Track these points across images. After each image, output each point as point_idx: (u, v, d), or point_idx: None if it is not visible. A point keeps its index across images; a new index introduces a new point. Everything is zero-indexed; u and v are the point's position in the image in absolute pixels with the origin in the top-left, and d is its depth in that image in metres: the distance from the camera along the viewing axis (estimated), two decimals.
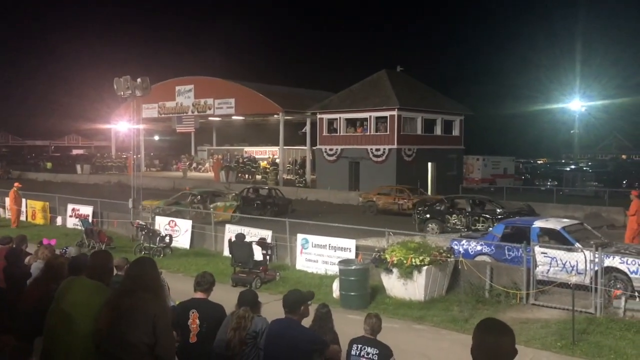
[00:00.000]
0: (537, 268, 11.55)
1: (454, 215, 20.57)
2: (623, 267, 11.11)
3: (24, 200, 23.87)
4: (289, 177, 41.43)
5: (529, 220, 14.42)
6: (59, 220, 23.08)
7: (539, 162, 69.62)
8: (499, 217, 19.08)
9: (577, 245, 11.86)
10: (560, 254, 11.58)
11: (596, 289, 10.49)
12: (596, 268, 10.75)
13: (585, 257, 11.10)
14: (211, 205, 22.59)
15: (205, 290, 5.81)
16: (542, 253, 11.73)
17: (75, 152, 79.43)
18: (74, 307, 4.47)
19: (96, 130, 67.11)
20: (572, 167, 51.79)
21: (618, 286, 11.01)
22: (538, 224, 13.22)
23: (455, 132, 39.15)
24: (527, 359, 8.53)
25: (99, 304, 4.34)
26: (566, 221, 13.93)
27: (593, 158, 78.53)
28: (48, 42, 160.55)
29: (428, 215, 21.26)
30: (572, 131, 65.43)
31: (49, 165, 60.31)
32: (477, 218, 20.07)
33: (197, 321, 5.54)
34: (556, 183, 39.14)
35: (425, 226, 20.82)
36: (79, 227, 19.82)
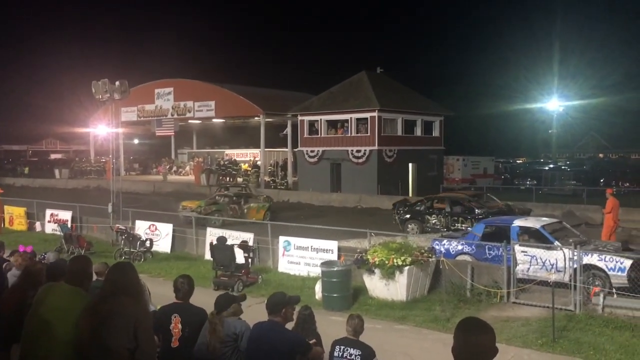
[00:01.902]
0: (518, 267, 11.66)
1: (434, 216, 20.64)
2: (601, 265, 11.26)
3: (2, 206, 23.47)
4: (270, 179, 41.32)
5: (508, 219, 14.55)
6: (37, 226, 22.77)
7: (518, 161, 70.51)
8: (479, 217, 19.20)
9: (557, 243, 12.01)
10: (540, 253, 11.71)
11: (575, 286, 10.63)
12: (575, 266, 10.90)
13: (564, 255, 11.25)
14: (245, 206, 23.64)
15: (183, 297, 5.76)
16: (522, 252, 11.84)
17: (53, 156, 78.29)
18: (53, 313, 4.41)
19: (74, 134, 66.35)
20: (551, 166, 52.48)
21: (597, 283, 11.16)
22: (518, 222, 13.35)
23: (436, 132, 39.42)
24: (509, 357, 8.61)
25: (78, 310, 4.28)
26: (545, 220, 14.09)
27: (571, 157, 79.73)
28: (24, 44, 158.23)
29: (408, 216, 21.31)
30: (550, 131, 66.29)
31: (26, 170, 59.39)
32: (456, 218, 20.13)
33: (180, 325, 5.51)
34: (535, 182, 39.61)
35: (405, 226, 20.89)
36: (58, 233, 19.57)
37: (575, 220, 21.03)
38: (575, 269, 10.85)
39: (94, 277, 6.16)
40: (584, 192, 30.09)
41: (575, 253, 10.99)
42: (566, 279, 11.00)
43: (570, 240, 12.10)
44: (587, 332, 9.58)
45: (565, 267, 11.23)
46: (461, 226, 19.53)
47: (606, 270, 11.22)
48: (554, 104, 57.29)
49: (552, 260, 11.52)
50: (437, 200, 21.53)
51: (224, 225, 19.80)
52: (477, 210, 19.94)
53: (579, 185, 35.76)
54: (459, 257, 13.24)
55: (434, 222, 20.49)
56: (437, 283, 12.16)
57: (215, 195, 25.35)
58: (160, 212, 20.73)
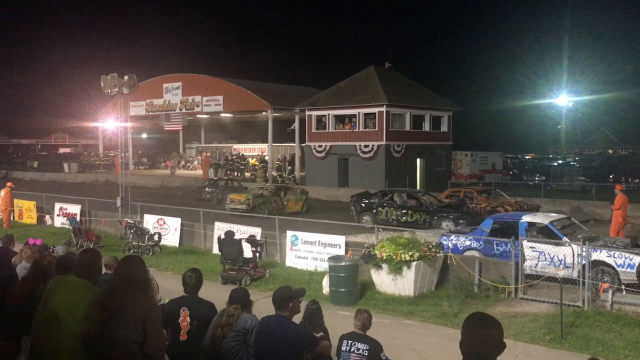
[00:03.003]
0: (526, 262, 11.63)
1: (385, 208, 21.11)
2: (610, 261, 11.21)
3: (12, 200, 23.60)
4: (278, 174, 41.36)
5: (517, 215, 14.50)
6: (47, 220, 22.92)
7: (526, 157, 70.10)
8: (427, 210, 20.17)
9: (565, 239, 11.96)
10: (548, 248, 11.67)
11: (584, 282, 10.59)
12: (584, 262, 10.85)
13: (573, 251, 11.20)
14: (284, 199, 25.17)
15: (192, 291, 5.79)
16: (530, 247, 11.81)
17: (62, 150, 78.81)
18: (63, 306, 4.44)
19: (83, 129, 66.67)
20: (560, 162, 52.19)
21: (605, 279, 11.10)
22: (526, 218, 13.31)
23: (444, 128, 39.28)
24: (516, 352, 8.59)
25: (87, 303, 4.31)
26: (554, 216, 14.04)
27: (580, 153, 79.30)
28: (34, 40, 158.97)
29: (364, 207, 21.77)
30: (559, 126, 65.96)
31: (35, 164, 59.75)
32: (405, 211, 20.64)
33: (188, 319, 5.54)
34: (544, 178, 39.40)
35: (361, 218, 21.29)
36: (67, 226, 19.68)
37: (583, 216, 20.94)
38: (583, 265, 10.81)
39: (103, 270, 6.19)
40: (593, 188, 29.91)
41: (584, 249, 10.94)
42: (574, 275, 10.96)
43: (579, 236, 12.05)
44: (596, 329, 9.54)
45: (573, 263, 11.19)
46: (409, 219, 20.26)
47: (615, 266, 11.17)
48: (563, 99, 56.95)
49: (561, 256, 11.48)
50: (389, 194, 22.17)
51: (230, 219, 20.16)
52: (426, 203, 20.70)
53: (588, 181, 35.55)
54: (467, 253, 13.22)
55: (385, 214, 20.94)
56: (445, 278, 12.13)
57: (259, 189, 26.76)
58: (172, 206, 20.79)
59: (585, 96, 64.84)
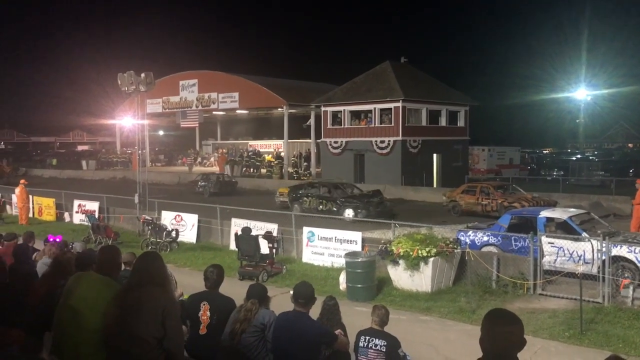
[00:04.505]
0: (544, 258, 11.53)
1: (309, 198, 23.21)
2: (631, 256, 11.06)
3: (30, 196, 23.95)
4: (293, 171, 41.41)
5: (535, 210, 14.37)
6: (66, 217, 23.18)
7: (544, 152, 69.43)
8: (341, 200, 22.33)
9: (584, 234, 11.83)
10: (567, 244, 11.55)
11: (604, 278, 10.47)
12: (604, 257, 10.72)
13: (592, 247, 11.08)
14: None
15: (212, 286, 5.83)
16: (549, 243, 11.70)
17: (80, 148, 79.54)
18: (83, 302, 4.48)
19: (101, 126, 67.19)
20: (578, 156, 51.65)
21: (626, 275, 10.96)
22: (544, 213, 13.19)
23: (461, 122, 39.02)
24: (535, 349, 8.52)
25: (107, 299, 4.34)
26: (573, 211, 13.89)
27: (599, 147, 78.27)
28: (52, 38, 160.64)
29: (294, 197, 23.96)
30: (577, 120, 65.25)
31: (54, 161, 60.43)
32: (321, 201, 22.83)
33: (208, 313, 5.58)
34: (562, 173, 39.01)
35: (292, 207, 23.22)
36: (86, 223, 19.89)
37: (603, 211, 20.69)
38: (603, 261, 10.68)
39: (122, 267, 6.25)
40: (613, 182, 29.56)
41: (604, 244, 10.81)
42: (594, 270, 10.84)
43: (599, 232, 11.92)
44: (616, 325, 9.43)
45: (593, 259, 11.07)
46: (324, 208, 22.39)
47: (636, 262, 11.02)
48: (582, 93, 56.29)
49: (580, 252, 11.35)
50: (312, 186, 24.50)
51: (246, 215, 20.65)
52: (335, 195, 22.83)
53: (607, 175, 35.12)
54: (485, 248, 13.13)
55: (308, 204, 23.11)
56: (462, 274, 12.07)
57: (307, 182, 27.65)
58: (189, 203, 20.93)
59: (605, 90, 63.98)
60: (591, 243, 11.14)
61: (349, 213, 21.46)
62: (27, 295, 5.80)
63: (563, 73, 67.02)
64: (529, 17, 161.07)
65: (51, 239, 10.88)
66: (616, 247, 11.16)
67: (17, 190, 22.70)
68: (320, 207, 22.56)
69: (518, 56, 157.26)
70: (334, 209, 22.07)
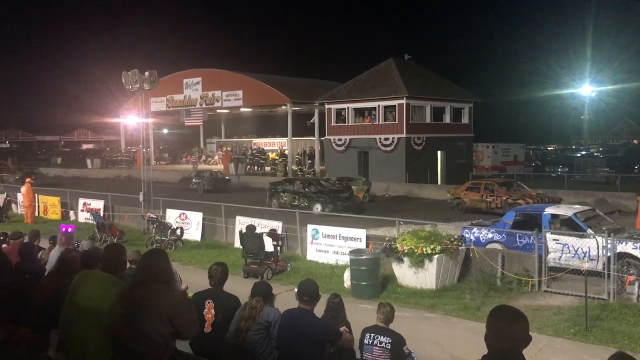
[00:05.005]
0: (549, 255, 11.50)
1: (286, 194, 24.45)
2: (636, 253, 11.01)
3: (35, 195, 24.02)
4: (298, 168, 41.40)
5: (540, 207, 14.34)
6: (71, 215, 23.25)
7: (549, 148, 69.18)
8: (311, 195, 23.58)
9: (589, 231, 11.80)
10: (572, 241, 11.52)
11: (609, 275, 10.44)
12: (609, 254, 10.69)
13: (597, 243, 11.05)
14: None
15: (217, 284, 5.84)
16: (554, 240, 11.67)
17: (84, 146, 79.73)
18: (89, 300, 4.50)
19: (105, 125, 67.39)
20: (583, 153, 51.47)
21: (631, 272, 10.92)
22: (549, 210, 13.15)
23: (465, 119, 38.93)
24: (540, 346, 8.50)
25: (113, 297, 4.35)
26: (578, 207, 13.86)
27: (604, 143, 78.00)
28: (56, 37, 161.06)
29: (272, 193, 25.06)
30: (582, 117, 64.94)
31: (59, 160, 60.62)
32: (294, 196, 24.02)
33: (213, 311, 5.59)
34: (567, 169, 38.89)
35: (271, 202, 24.40)
36: (91, 221, 19.94)
37: (608, 208, 20.63)
38: (609, 257, 10.65)
39: (127, 265, 6.26)
40: (618, 179, 29.46)
41: (609, 241, 10.78)
42: (599, 267, 10.81)
43: (604, 228, 11.87)
44: (622, 322, 9.41)
45: (598, 256, 11.04)
46: (297, 203, 23.49)
47: None
48: (587, 89, 56.04)
49: (585, 249, 11.33)
50: (289, 182, 25.90)
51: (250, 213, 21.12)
52: (306, 189, 24.09)
53: (612, 172, 34.99)
54: (489, 246, 13.11)
55: (284, 199, 24.32)
56: (467, 271, 12.06)
57: (284, 179, 28.71)
58: (193, 201, 20.96)
59: (610, 85, 63.59)
60: (596, 240, 11.11)
61: (317, 207, 22.93)
62: (33, 293, 5.83)
63: (568, 69, 66.53)
64: (533, 13, 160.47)
65: (63, 229, 10.97)
66: (621, 243, 11.12)
67: (23, 189, 22.78)
68: (295, 202, 23.74)
69: (522, 52, 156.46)
70: (305, 203, 23.34)
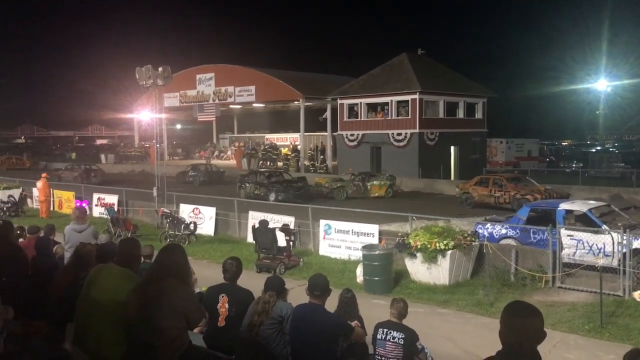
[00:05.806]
0: (563, 251, 11.42)
1: (250, 184, 26.90)
2: None
3: (51, 190, 24.23)
4: (310, 164, 41.41)
5: (554, 202, 14.24)
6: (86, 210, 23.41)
7: (563, 143, 68.63)
8: (268, 185, 25.91)
9: (604, 227, 11.69)
10: (586, 237, 11.42)
11: (624, 271, 10.35)
12: (624, 250, 10.59)
13: (612, 239, 10.94)
14: (368, 183, 27.35)
15: (231, 278, 5.86)
16: (569, 235, 11.58)
17: (99, 142, 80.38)
18: (104, 294, 4.53)
19: (119, 120, 67.80)
20: (598, 148, 51.01)
21: None
22: (564, 206, 13.06)
23: (478, 114, 38.70)
24: (555, 342, 8.45)
25: (127, 291, 4.38)
26: (592, 203, 13.75)
27: (619, 139, 77.17)
28: (70, 33, 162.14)
29: (240, 184, 27.45)
30: (597, 112, 64.20)
31: (73, 155, 61.10)
32: (256, 187, 26.46)
33: (226, 305, 5.62)
34: (582, 165, 38.57)
35: (239, 192, 26.43)
36: (105, 216, 20.09)
37: (623, 203, 20.42)
38: (624, 254, 10.55)
39: (142, 259, 6.31)
40: (634, 174, 29.19)
41: (625, 237, 10.67)
42: (614, 263, 10.71)
43: (619, 224, 11.76)
44: (637, 319, 9.32)
45: (613, 252, 10.93)
46: (257, 192, 25.90)
47: None
48: (602, 84, 55.42)
49: (600, 245, 11.22)
50: (253, 174, 28.39)
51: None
52: (265, 180, 26.61)
53: (628, 167, 34.67)
54: (503, 241, 13.04)
55: (248, 189, 26.69)
56: (480, 267, 12.01)
57: (345, 174, 29.79)
58: (206, 196, 21.05)
59: (626, 80, 62.80)
60: (611, 236, 11.01)
61: (272, 196, 25.28)
62: (49, 287, 5.89)
63: (583, 64, 65.84)
64: (548, 7, 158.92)
65: (78, 203, 11.10)
66: (637, 239, 11.01)
67: (39, 183, 22.97)
68: (256, 191, 26.21)
69: (537, 47, 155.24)
70: (262, 193, 25.79)
